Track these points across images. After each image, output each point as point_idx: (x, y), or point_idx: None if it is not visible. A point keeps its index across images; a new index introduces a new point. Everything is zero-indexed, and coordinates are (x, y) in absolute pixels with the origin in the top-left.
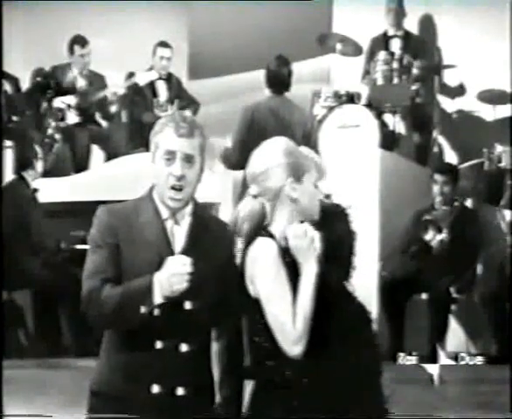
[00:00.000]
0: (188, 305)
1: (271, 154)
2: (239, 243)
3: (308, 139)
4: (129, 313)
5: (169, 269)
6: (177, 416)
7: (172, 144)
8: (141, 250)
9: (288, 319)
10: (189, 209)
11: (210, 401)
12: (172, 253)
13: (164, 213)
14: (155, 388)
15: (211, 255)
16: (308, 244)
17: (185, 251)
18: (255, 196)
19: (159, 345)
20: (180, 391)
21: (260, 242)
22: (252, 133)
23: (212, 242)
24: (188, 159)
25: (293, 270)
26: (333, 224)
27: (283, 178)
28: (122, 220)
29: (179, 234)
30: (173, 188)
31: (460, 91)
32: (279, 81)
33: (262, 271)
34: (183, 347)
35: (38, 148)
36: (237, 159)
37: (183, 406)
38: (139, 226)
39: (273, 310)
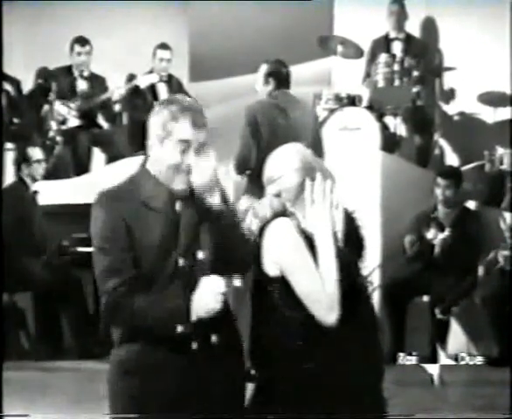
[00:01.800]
0: None
1: (287, 159)
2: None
3: (316, 132)
4: (165, 331)
5: (204, 289)
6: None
7: (188, 134)
8: (152, 226)
9: (319, 286)
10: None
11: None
12: (178, 227)
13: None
14: (194, 345)
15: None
16: (321, 211)
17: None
18: (276, 196)
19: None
20: (214, 339)
21: (277, 222)
22: (259, 131)
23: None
24: (201, 148)
25: (309, 245)
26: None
27: (300, 181)
28: (125, 200)
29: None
30: (184, 174)
31: (450, 95)
32: (280, 77)
33: (286, 247)
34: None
35: (37, 150)
36: (246, 159)
37: (218, 356)
38: (144, 201)
39: (302, 282)
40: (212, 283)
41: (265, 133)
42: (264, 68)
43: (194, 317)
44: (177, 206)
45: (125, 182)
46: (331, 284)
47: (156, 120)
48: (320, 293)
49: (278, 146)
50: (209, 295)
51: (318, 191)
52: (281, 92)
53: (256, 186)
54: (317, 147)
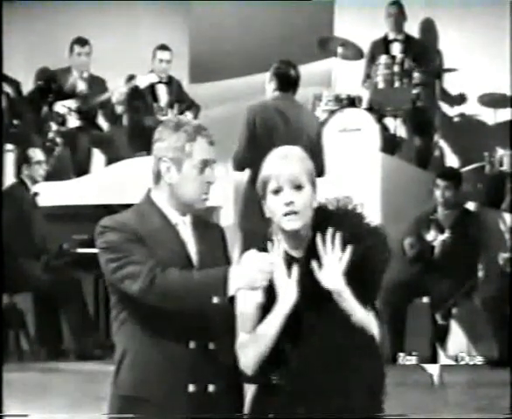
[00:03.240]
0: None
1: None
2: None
3: (317, 140)
4: (201, 301)
5: (255, 265)
6: (210, 413)
7: (207, 153)
8: (158, 255)
9: (242, 340)
10: None
11: (238, 397)
12: (188, 256)
13: (174, 218)
14: (191, 388)
15: (215, 247)
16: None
17: (199, 248)
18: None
19: (192, 344)
20: (211, 388)
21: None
22: (256, 132)
23: (213, 235)
24: (213, 165)
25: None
26: (362, 239)
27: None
28: (134, 232)
29: (187, 234)
30: (205, 193)
31: (460, 100)
32: (287, 80)
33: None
34: (211, 345)
35: (38, 152)
36: (243, 158)
37: (215, 403)
38: (149, 233)
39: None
40: (262, 260)
41: (262, 134)
42: (272, 67)
43: (233, 290)
44: (185, 238)
45: (130, 214)
46: (251, 346)
47: (171, 144)
48: (238, 344)
49: (275, 147)
50: (256, 272)
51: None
52: (284, 96)
53: (254, 187)
54: (317, 155)
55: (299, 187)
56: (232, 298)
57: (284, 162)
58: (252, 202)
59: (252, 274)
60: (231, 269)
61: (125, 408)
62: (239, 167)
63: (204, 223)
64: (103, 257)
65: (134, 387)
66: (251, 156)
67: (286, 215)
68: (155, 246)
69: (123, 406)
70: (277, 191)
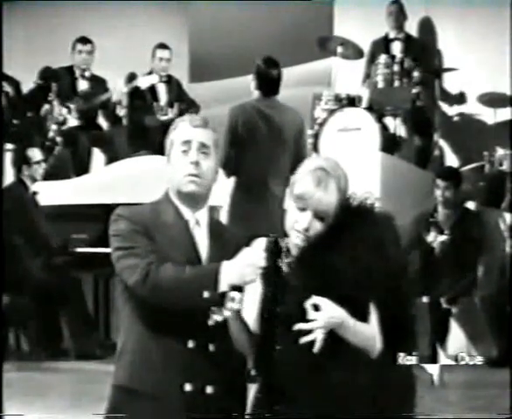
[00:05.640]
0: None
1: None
2: None
3: (299, 139)
4: (192, 296)
5: (245, 259)
6: (207, 414)
7: (187, 134)
8: (167, 250)
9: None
10: (206, 209)
11: (238, 399)
12: (197, 254)
13: (186, 214)
14: (188, 387)
15: (231, 255)
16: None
17: (211, 251)
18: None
19: (191, 344)
20: (209, 389)
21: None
22: (239, 134)
23: (229, 242)
24: (203, 148)
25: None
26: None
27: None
28: (145, 225)
29: (200, 235)
30: (189, 174)
31: (460, 99)
32: (267, 80)
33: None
34: (211, 347)
35: (37, 151)
36: (229, 160)
37: (213, 405)
38: (161, 228)
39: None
40: (254, 254)
41: (244, 136)
42: (255, 65)
43: (225, 285)
44: (198, 239)
45: (147, 208)
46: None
47: (166, 141)
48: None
49: (258, 149)
50: (247, 267)
51: None
52: (265, 96)
53: (241, 189)
54: (300, 152)
55: (323, 219)
56: (224, 295)
57: (317, 192)
58: (238, 205)
59: (243, 269)
60: (223, 264)
61: (119, 399)
62: (226, 170)
63: (222, 228)
64: (113, 244)
65: (130, 378)
66: (236, 158)
67: (298, 237)
68: (164, 241)
69: (118, 396)
70: (302, 209)
